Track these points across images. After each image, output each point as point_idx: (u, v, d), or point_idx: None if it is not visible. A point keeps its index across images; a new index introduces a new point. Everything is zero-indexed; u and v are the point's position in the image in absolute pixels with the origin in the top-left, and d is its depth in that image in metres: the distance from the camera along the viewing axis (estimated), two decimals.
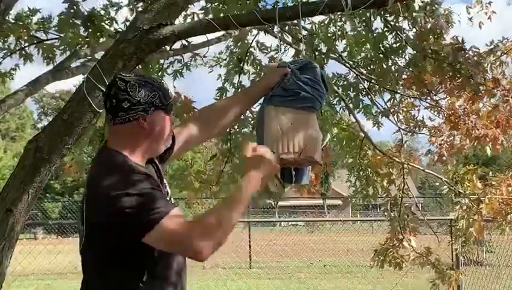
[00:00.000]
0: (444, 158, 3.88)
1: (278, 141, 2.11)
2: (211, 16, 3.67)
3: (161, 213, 1.71)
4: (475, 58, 3.13)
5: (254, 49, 4.21)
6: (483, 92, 3.22)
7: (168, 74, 4.41)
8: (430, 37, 3.19)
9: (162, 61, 4.30)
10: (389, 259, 4.09)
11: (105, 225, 1.76)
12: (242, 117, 3.78)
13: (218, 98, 4.21)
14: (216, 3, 3.82)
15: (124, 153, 1.85)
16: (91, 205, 1.82)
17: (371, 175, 4.22)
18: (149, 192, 1.75)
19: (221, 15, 3.54)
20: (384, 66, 3.71)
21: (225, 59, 4.60)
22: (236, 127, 4.09)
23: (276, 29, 3.59)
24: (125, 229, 1.73)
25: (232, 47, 4.39)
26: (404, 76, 3.75)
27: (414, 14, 3.24)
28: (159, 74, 4.29)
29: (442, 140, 3.90)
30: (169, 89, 1.97)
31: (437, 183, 4.41)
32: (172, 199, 2.01)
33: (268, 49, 4.11)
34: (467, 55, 3.15)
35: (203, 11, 3.80)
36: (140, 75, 1.94)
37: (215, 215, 1.78)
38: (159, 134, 1.90)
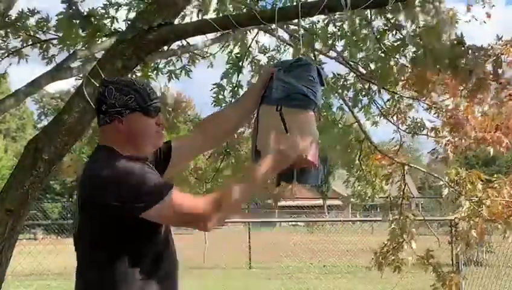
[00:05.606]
0: (449, 159, 3.85)
1: (269, 140, 2.09)
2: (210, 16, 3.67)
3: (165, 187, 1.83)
4: (475, 52, 3.08)
5: (253, 49, 4.20)
6: (482, 87, 3.16)
7: (163, 74, 4.39)
8: (431, 33, 3.15)
9: (158, 60, 4.27)
10: (389, 262, 4.06)
11: (107, 208, 1.79)
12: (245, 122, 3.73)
13: (214, 95, 4.18)
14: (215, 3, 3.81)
15: (114, 148, 1.93)
16: (88, 193, 1.86)
17: (370, 176, 4.20)
18: (145, 171, 1.85)
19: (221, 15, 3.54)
20: (386, 65, 3.68)
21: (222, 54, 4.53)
22: None
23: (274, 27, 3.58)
24: (126, 207, 1.78)
25: (232, 46, 4.37)
26: (405, 76, 3.72)
27: (416, 10, 3.20)
28: (154, 73, 4.26)
29: (448, 140, 3.86)
30: (153, 92, 1.97)
31: (441, 183, 4.37)
32: None
33: (268, 50, 4.10)
34: (463, 48, 3.10)
35: (200, 8, 3.78)
36: (123, 79, 2.02)
37: (229, 192, 1.89)
38: (137, 135, 1.94)
